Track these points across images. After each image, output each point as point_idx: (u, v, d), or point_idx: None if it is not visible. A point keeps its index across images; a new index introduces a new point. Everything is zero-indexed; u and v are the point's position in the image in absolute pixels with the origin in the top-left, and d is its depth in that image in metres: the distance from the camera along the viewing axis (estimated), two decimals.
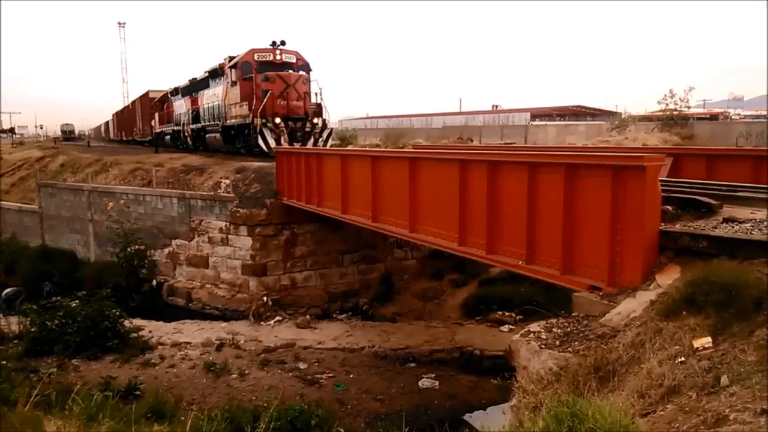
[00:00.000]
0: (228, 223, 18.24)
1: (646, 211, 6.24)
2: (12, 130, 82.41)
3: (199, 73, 31.66)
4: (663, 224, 6.50)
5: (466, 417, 12.40)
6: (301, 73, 24.00)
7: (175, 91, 37.44)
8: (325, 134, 23.39)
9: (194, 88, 32.39)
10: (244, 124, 23.26)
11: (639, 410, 4.17)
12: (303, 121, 22.83)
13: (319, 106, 23.76)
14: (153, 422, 9.50)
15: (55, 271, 22.06)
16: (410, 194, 10.68)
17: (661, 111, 42.82)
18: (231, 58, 25.33)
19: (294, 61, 24.27)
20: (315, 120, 22.95)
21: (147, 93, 46.58)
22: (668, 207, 6.82)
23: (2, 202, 28.28)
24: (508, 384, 5.93)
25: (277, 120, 21.92)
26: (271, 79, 22.58)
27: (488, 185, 8.54)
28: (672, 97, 40.94)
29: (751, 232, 5.98)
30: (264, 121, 21.76)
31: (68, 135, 75.08)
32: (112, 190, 23.01)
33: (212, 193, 19.52)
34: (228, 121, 25.27)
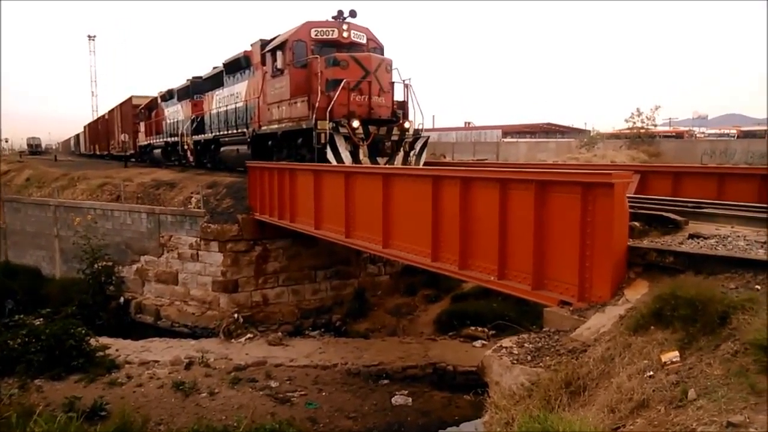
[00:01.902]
0: (199, 239, 18.03)
1: (615, 227, 6.34)
2: None
3: (203, 71, 26.82)
4: (631, 240, 6.61)
5: None
6: (383, 56, 17.30)
7: (168, 95, 31.59)
8: (418, 146, 16.34)
9: (198, 89, 26.86)
10: (297, 130, 16.33)
11: (609, 425, 4.20)
12: (390, 125, 16.04)
13: (404, 106, 17.11)
14: None
15: (18, 288, 21.49)
16: (383, 210, 10.69)
17: (628, 129, 43.72)
18: (265, 42, 19.01)
19: (364, 41, 17.68)
20: (406, 124, 16.27)
21: (130, 99, 39.86)
22: (636, 223, 6.94)
23: None
24: (481, 400, 5.92)
25: (355, 123, 15.19)
26: (343, 64, 15.92)
27: (461, 201, 8.60)
28: (639, 116, 41.86)
29: (715, 248, 6.11)
30: (333, 125, 15.08)
31: (35, 149, 73.57)
32: (79, 205, 22.57)
33: (182, 208, 19.30)
34: (264, 128, 18.56)
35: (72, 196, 24.66)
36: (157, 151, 33.16)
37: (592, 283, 6.56)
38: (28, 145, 76.78)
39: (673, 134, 58.96)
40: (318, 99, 15.45)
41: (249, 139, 19.73)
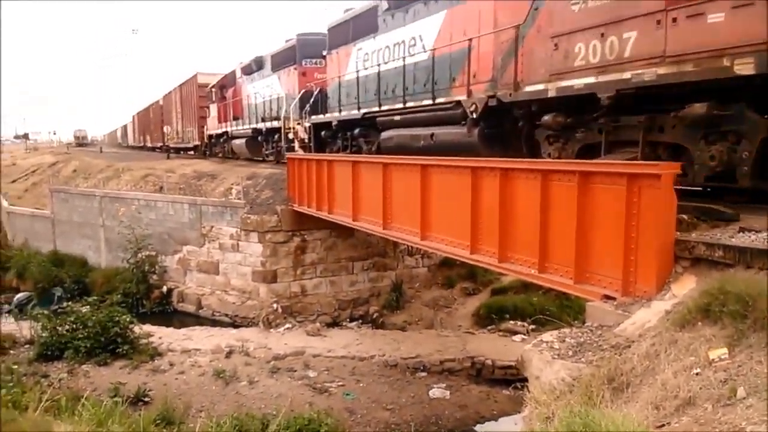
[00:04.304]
0: (239, 230, 18.28)
1: (661, 219, 6.16)
2: (26, 136, 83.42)
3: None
4: (679, 233, 6.42)
5: (477, 428, 12.34)
6: None
7: (256, 65, 24.39)
8: None
9: (309, 50, 20.01)
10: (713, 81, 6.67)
11: (653, 422, 4.11)
12: None
13: None
14: (162, 429, 9.53)
15: (66, 276, 22.25)
16: (421, 201, 10.64)
17: None
18: None
19: None
20: None
21: (194, 78, 32.77)
22: (684, 216, 6.74)
23: (15, 208, 28.55)
24: (520, 395, 5.86)
25: None
26: None
27: (500, 192, 8.48)
28: None
29: None
30: None
31: (81, 141, 75.79)
32: (124, 195, 23.14)
33: (223, 199, 19.58)
34: (536, 87, 9.10)
35: (116, 187, 25.31)
36: (239, 141, 26.22)
37: (637, 277, 6.40)
38: (74, 137, 79.11)
39: None
40: None
41: (473, 114, 10.62)
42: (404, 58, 13.36)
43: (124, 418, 8.63)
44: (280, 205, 17.81)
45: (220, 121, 29.12)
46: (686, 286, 5.88)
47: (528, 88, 9.36)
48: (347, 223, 14.35)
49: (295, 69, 20.73)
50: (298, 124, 19.47)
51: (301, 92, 19.68)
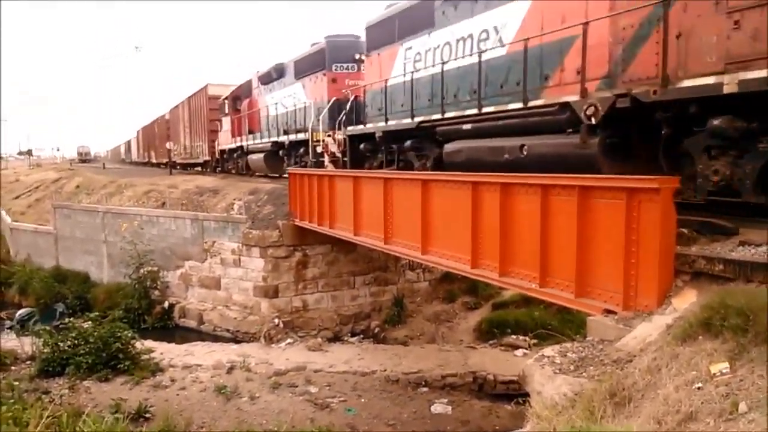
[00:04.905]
0: (240, 245, 18.29)
1: (661, 233, 6.17)
2: (29, 152, 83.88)
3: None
4: (679, 247, 6.43)
5: None
6: None
7: (276, 73, 22.48)
8: None
9: (338, 52, 18.24)
10: None
11: None
12: None
13: None
14: None
15: (68, 292, 22.28)
16: (422, 216, 10.66)
17: None
18: None
19: None
20: None
21: (204, 89, 31.18)
22: (684, 230, 6.75)
23: (18, 224, 28.61)
24: (523, 410, 5.83)
25: None
26: None
27: (501, 207, 8.51)
28: None
29: None
30: None
31: (84, 157, 76.13)
32: (126, 211, 23.19)
33: (225, 214, 19.62)
34: None
35: (119, 202, 25.37)
36: (256, 156, 24.29)
37: (638, 291, 6.40)
38: (78, 153, 79.47)
39: None
40: None
41: (591, 120, 8.00)
42: (480, 53, 10.90)
43: None
44: (282, 220, 17.82)
45: (233, 135, 27.13)
46: (687, 300, 5.88)
47: (686, 83, 6.95)
48: (349, 238, 14.36)
49: (324, 75, 18.84)
50: (328, 136, 17.38)
51: (332, 101, 17.93)
